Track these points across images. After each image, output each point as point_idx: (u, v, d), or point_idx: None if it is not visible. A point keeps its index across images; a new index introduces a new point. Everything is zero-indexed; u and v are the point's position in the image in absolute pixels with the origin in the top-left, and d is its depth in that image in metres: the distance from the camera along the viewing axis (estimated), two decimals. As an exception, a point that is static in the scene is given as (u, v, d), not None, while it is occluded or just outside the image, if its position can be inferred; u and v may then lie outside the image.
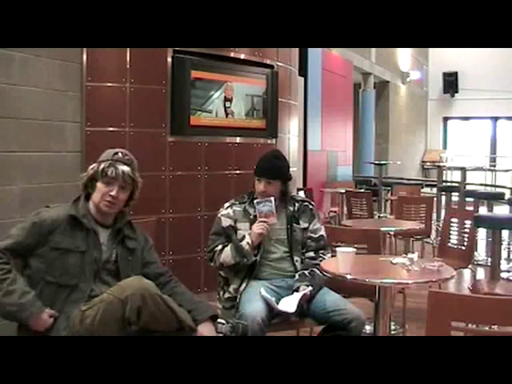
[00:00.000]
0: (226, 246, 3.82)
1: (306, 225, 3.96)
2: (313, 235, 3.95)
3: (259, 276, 3.83)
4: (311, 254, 3.92)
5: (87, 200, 3.13)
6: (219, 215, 3.97)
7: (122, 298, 2.78)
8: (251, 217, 3.89)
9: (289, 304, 3.59)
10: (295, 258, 3.90)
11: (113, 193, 3.08)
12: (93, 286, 3.00)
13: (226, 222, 3.92)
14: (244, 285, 3.78)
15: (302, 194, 8.27)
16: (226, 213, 3.94)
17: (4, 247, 2.94)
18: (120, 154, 3.15)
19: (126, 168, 3.11)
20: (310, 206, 4.03)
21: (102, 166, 3.10)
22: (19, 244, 2.95)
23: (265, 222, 3.78)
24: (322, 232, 4.00)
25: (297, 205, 3.99)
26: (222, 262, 3.80)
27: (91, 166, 3.15)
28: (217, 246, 3.87)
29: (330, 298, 3.71)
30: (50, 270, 2.96)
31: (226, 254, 3.78)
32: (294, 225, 3.93)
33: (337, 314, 3.56)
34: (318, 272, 3.78)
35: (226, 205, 4.00)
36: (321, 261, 3.81)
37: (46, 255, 2.97)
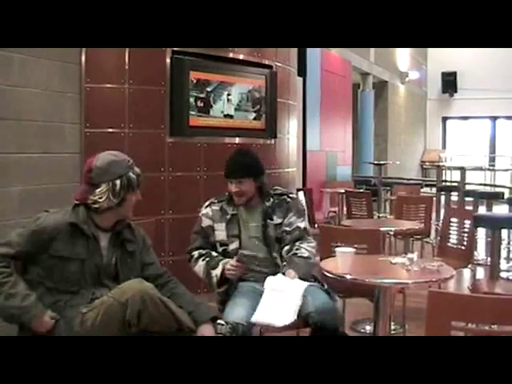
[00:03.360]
0: (203, 255, 3.81)
1: (279, 220, 3.79)
2: (287, 229, 3.77)
3: (245, 278, 3.75)
4: (287, 247, 3.74)
5: (88, 209, 3.07)
6: (200, 214, 3.91)
7: (123, 300, 2.77)
8: (228, 216, 3.81)
9: (285, 314, 3.32)
10: (273, 254, 3.75)
11: (140, 197, 3.11)
12: (94, 290, 2.99)
13: (205, 222, 3.87)
14: (231, 287, 3.72)
15: (301, 194, 8.27)
16: (206, 212, 3.89)
17: (3, 254, 2.92)
18: (129, 159, 3.11)
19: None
20: (287, 199, 3.84)
21: (133, 177, 3.05)
22: (18, 252, 2.92)
23: (235, 270, 3.63)
24: (300, 223, 3.80)
25: (271, 200, 3.82)
26: (195, 271, 3.81)
27: (116, 183, 2.99)
28: (194, 248, 3.85)
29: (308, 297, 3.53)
30: (49, 276, 2.95)
31: (199, 269, 3.78)
32: (268, 221, 3.78)
33: (300, 309, 3.39)
34: (297, 259, 3.65)
35: (206, 203, 3.93)
36: (297, 250, 3.69)
37: (45, 262, 2.94)
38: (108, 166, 3.01)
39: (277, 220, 3.79)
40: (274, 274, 3.61)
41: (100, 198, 2.98)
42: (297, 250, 3.71)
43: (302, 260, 3.66)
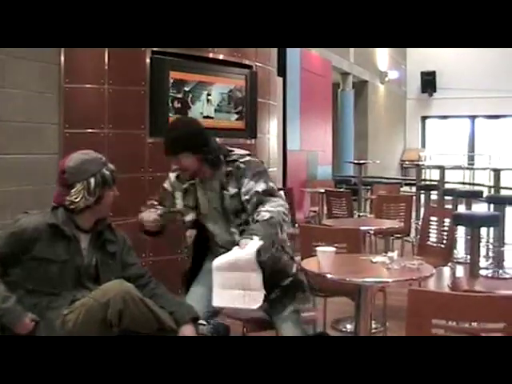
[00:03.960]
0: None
1: (234, 190, 3.42)
2: (246, 197, 3.36)
3: (210, 258, 3.40)
4: (250, 218, 3.33)
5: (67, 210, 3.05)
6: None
7: (104, 301, 2.76)
8: (184, 186, 3.56)
9: (251, 293, 3.03)
10: (232, 229, 3.45)
11: (117, 192, 3.11)
12: (74, 291, 2.98)
13: (166, 186, 3.67)
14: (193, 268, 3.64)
15: (281, 193, 8.27)
16: (169, 177, 3.67)
17: None
18: (102, 156, 3.11)
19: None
20: (240, 165, 3.43)
21: (108, 173, 3.05)
22: None
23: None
24: (258, 187, 3.35)
25: (224, 168, 3.44)
26: None
27: (90, 181, 2.98)
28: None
29: None
30: (30, 278, 2.93)
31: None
32: (224, 192, 3.44)
33: None
34: (254, 225, 3.19)
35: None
36: (257, 215, 3.22)
37: (25, 264, 2.92)
38: (81, 165, 3.00)
39: (231, 190, 3.43)
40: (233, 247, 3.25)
41: (76, 198, 2.97)
42: (257, 216, 3.23)
43: (258, 224, 3.15)
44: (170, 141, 3.45)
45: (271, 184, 3.44)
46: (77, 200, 2.97)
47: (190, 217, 3.58)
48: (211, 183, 3.49)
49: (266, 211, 3.21)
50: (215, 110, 5.93)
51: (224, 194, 3.44)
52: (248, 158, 3.52)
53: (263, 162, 3.62)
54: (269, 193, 3.37)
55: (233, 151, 3.55)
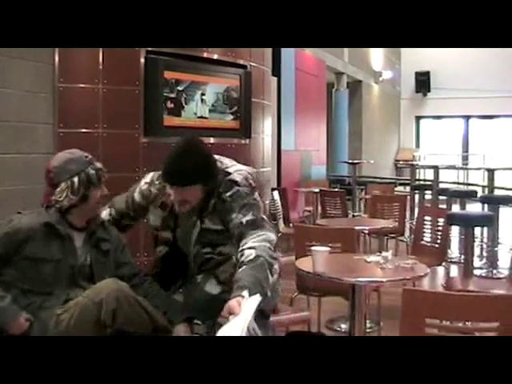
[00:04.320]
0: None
1: (218, 227, 3.11)
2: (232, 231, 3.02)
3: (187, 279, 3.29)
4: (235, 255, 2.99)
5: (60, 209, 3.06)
6: (139, 186, 3.37)
7: (97, 300, 2.76)
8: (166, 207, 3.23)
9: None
10: (188, 259, 3.25)
11: (105, 192, 3.09)
12: (68, 291, 2.97)
13: (138, 198, 3.34)
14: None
15: (276, 193, 8.28)
16: (144, 188, 3.33)
17: None
18: (88, 155, 3.11)
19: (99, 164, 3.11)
20: (228, 199, 3.04)
21: (92, 172, 3.03)
22: None
23: None
24: (244, 218, 2.97)
25: (213, 201, 3.10)
26: None
27: (73, 181, 2.97)
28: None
29: None
30: (24, 278, 2.92)
31: None
32: (202, 225, 3.13)
33: None
34: (239, 273, 2.74)
35: (148, 179, 3.37)
36: (241, 255, 2.82)
37: (20, 264, 2.92)
38: (65, 165, 3.02)
39: (211, 226, 3.13)
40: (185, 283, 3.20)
41: (60, 197, 2.97)
42: (240, 255, 2.83)
43: (244, 271, 2.73)
44: (183, 170, 2.99)
45: (260, 215, 3.03)
46: (61, 199, 2.97)
47: (166, 234, 3.28)
48: (190, 213, 3.15)
49: (249, 248, 2.82)
50: (209, 110, 5.92)
51: (200, 227, 3.13)
52: (237, 188, 3.06)
53: (252, 187, 3.14)
54: (254, 224, 2.95)
55: (220, 167, 3.14)
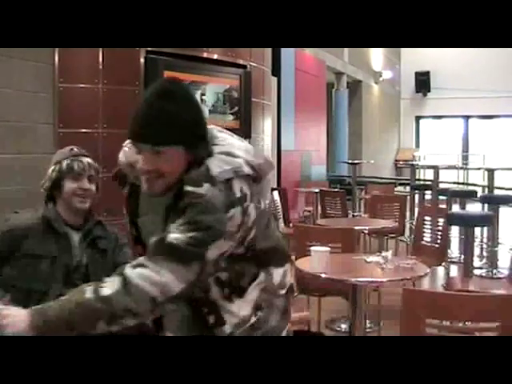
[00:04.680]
0: None
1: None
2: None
3: None
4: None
5: (54, 204, 3.08)
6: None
7: None
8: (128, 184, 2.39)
9: None
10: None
11: (85, 186, 3.03)
12: (63, 290, 2.96)
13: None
14: None
15: (275, 193, 8.27)
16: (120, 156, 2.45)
17: None
18: (76, 149, 3.12)
19: (89, 159, 3.08)
20: (193, 201, 1.92)
21: (65, 163, 3.06)
22: None
23: None
24: (169, 238, 1.94)
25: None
26: None
27: (51, 169, 3.08)
28: None
29: None
30: (21, 276, 2.92)
31: None
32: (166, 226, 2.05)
33: None
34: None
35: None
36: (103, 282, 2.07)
37: (17, 262, 2.92)
38: (53, 156, 3.16)
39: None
40: None
41: (42, 183, 3.08)
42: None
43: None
44: (156, 118, 2.01)
45: (196, 249, 1.92)
46: (42, 183, 3.08)
47: (129, 227, 2.50)
48: (159, 200, 2.13)
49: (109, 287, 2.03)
50: (209, 110, 5.92)
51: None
52: (214, 172, 1.96)
53: (237, 198, 1.98)
54: (174, 254, 1.93)
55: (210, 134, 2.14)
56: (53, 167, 3.07)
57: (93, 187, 3.08)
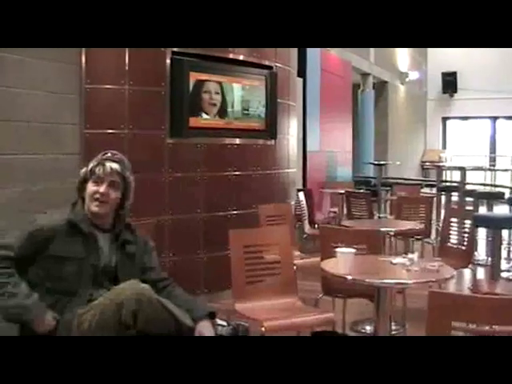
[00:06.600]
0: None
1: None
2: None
3: None
4: None
5: (83, 205, 3.10)
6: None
7: (118, 302, 2.76)
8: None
9: None
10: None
11: (101, 190, 3.04)
12: (91, 291, 2.98)
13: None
14: None
15: (301, 194, 8.25)
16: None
17: (3, 256, 2.91)
18: (109, 154, 3.13)
19: (114, 165, 3.07)
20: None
21: (91, 166, 3.08)
22: (17, 254, 2.92)
23: None
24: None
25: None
26: None
27: (83, 170, 3.12)
28: None
29: None
30: (48, 276, 2.94)
31: None
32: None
33: None
34: None
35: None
36: None
37: (44, 262, 2.94)
38: None
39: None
40: None
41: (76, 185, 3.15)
42: None
43: None
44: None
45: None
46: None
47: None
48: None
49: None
50: (234, 112, 5.93)
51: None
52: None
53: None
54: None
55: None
56: (84, 169, 3.11)
57: (113, 193, 3.07)
